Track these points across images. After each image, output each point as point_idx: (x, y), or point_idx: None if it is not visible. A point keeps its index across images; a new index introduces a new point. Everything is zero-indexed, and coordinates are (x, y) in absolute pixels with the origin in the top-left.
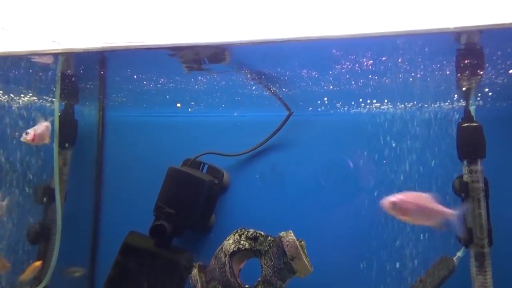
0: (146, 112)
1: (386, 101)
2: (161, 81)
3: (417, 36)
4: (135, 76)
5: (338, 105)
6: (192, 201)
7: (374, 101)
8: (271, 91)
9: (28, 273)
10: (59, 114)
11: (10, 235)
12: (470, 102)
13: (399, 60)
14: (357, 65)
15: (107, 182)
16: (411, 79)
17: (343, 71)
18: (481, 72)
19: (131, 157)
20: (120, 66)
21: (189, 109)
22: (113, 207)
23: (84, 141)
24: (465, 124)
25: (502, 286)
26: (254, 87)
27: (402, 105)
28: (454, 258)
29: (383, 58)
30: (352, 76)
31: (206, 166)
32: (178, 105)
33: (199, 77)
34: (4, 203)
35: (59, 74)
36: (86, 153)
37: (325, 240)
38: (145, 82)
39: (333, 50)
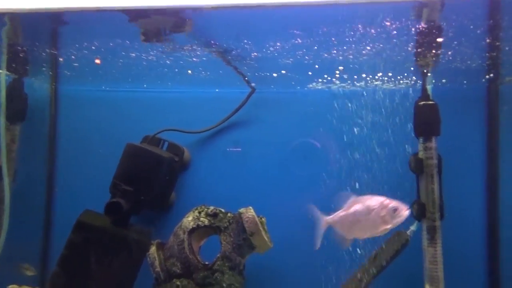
0: (103, 87)
1: (346, 77)
2: (117, 51)
3: (376, 6)
4: (91, 46)
5: (300, 82)
6: (150, 178)
7: (337, 79)
8: (233, 66)
9: None
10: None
11: None
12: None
13: (356, 33)
14: (317, 37)
15: (61, 159)
16: (369, 53)
17: (307, 42)
18: (440, 51)
19: (87, 133)
20: (74, 33)
21: (144, 85)
22: (68, 185)
23: (35, 116)
24: (422, 102)
25: (450, 257)
26: (215, 62)
27: (363, 83)
28: (408, 232)
29: (342, 29)
30: (311, 49)
31: (166, 143)
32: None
33: (159, 49)
34: None
35: (4, 41)
36: (37, 129)
37: (287, 218)
38: (100, 54)
39: (290, 21)
